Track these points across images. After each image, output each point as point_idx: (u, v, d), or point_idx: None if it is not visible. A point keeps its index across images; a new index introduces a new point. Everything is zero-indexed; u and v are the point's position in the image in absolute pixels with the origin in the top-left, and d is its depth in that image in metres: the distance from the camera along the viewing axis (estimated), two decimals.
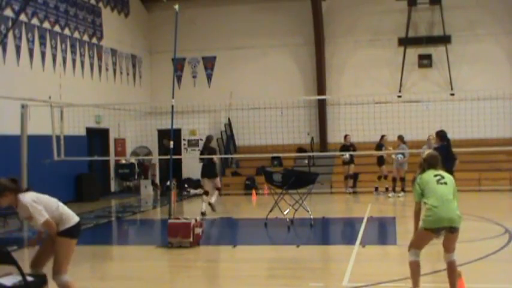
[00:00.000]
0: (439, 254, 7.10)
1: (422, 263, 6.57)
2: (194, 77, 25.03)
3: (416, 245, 6.56)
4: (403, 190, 18.15)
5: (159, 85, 24.66)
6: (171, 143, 11.83)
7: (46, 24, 17.99)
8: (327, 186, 20.81)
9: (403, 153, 17.73)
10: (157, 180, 22.39)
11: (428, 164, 6.76)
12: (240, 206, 18.43)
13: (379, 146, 18.66)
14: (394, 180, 18.20)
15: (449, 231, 6.41)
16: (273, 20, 23.96)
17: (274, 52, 24.09)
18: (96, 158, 20.29)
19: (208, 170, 14.94)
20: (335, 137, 22.46)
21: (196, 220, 10.45)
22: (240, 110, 21.75)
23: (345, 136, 19.34)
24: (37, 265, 6.13)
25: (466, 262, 8.48)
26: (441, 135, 12.77)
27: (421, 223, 6.53)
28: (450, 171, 10.38)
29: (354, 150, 19.01)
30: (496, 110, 17.92)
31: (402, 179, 18.16)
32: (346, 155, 18.97)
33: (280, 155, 21.01)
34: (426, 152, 7.24)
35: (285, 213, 12.77)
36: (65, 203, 6.30)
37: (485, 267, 8.25)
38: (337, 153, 20.05)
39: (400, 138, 17.97)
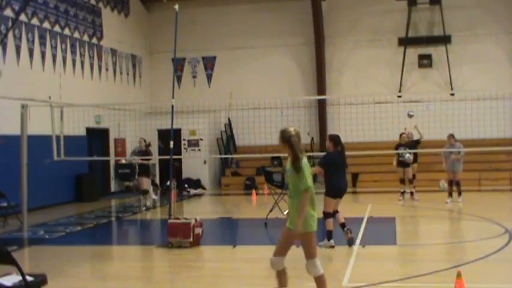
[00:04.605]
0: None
1: (421, 263, 6.56)
2: (194, 77, 25.02)
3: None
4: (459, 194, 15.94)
5: (159, 85, 24.65)
6: (171, 143, 11.81)
7: (46, 24, 17.98)
8: None
9: (410, 152, 15.96)
10: (157, 180, 22.36)
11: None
12: (240, 206, 18.42)
13: (416, 142, 16.75)
14: (450, 183, 15.88)
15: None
16: (273, 20, 23.95)
17: (274, 52, 24.08)
18: (96, 158, 20.28)
19: None
20: None
21: (196, 220, 10.46)
22: (240, 110, 21.75)
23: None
24: None
25: (466, 262, 8.48)
26: (336, 140, 10.39)
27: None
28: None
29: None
30: (496, 110, 17.89)
31: (458, 183, 15.83)
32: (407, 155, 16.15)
33: (280, 155, 20.98)
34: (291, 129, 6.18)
35: (285, 213, 12.76)
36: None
37: (485, 267, 8.24)
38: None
39: (452, 136, 15.71)
